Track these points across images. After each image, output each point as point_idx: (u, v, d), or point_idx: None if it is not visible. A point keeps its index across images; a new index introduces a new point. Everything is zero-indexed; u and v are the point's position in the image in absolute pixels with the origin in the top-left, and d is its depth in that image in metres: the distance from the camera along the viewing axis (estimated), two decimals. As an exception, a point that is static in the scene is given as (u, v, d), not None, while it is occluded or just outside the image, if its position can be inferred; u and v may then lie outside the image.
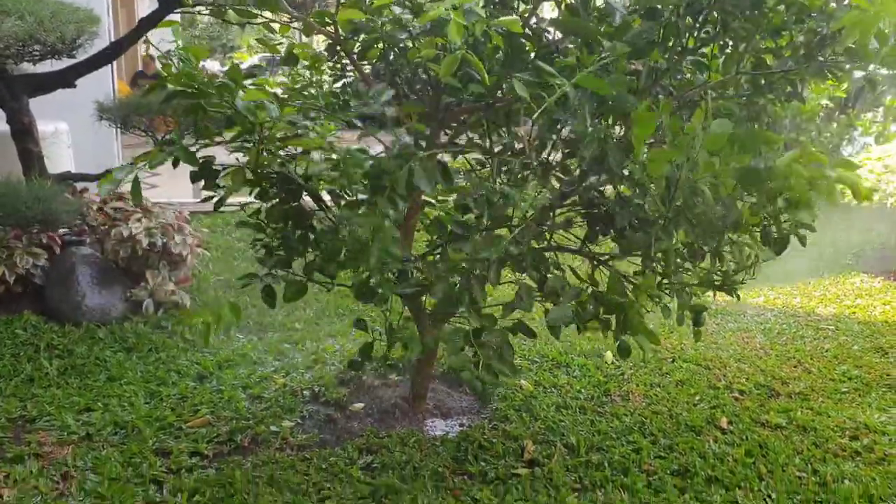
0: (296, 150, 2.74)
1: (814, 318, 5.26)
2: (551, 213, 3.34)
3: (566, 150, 3.04)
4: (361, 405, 3.76)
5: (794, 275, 6.25)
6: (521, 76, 2.38)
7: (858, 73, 3.49)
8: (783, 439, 3.48)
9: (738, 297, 3.07)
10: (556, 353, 4.41)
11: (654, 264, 2.91)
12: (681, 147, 2.36)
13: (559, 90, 2.28)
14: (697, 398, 3.91)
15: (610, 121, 2.73)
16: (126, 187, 2.58)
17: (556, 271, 2.90)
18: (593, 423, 3.64)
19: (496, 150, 3.00)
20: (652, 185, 2.59)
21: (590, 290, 2.94)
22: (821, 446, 3.42)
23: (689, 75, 3.23)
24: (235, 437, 3.38)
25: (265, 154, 2.67)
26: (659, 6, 2.62)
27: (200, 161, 2.72)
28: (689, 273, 3.16)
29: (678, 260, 3.13)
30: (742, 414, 3.73)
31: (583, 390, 3.98)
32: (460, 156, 3.46)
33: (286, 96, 3.04)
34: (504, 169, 2.76)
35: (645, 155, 2.48)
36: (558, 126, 2.67)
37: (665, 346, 4.60)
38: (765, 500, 3.01)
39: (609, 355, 4.42)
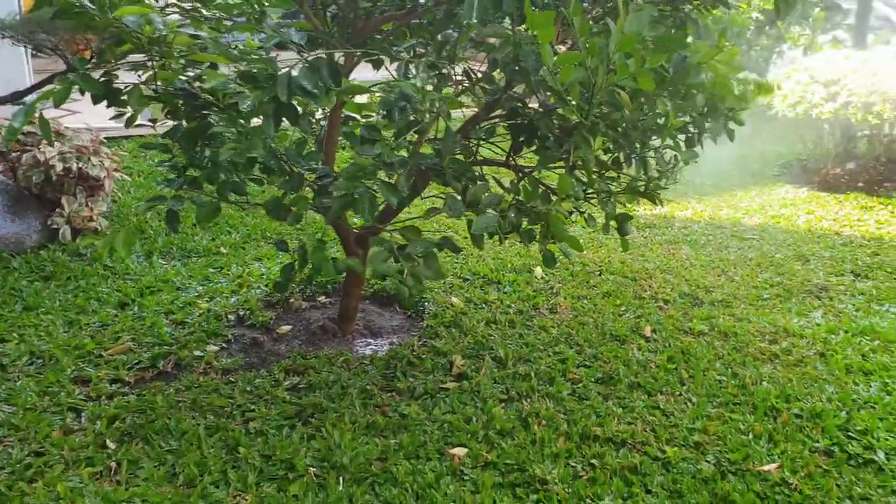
0: (201, 65, 2.61)
1: (739, 229, 5.36)
2: (475, 125, 3.30)
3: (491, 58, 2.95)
4: (289, 327, 3.71)
5: (721, 187, 6.34)
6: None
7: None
8: (705, 345, 3.56)
9: (661, 202, 3.06)
10: (488, 270, 4.41)
11: (576, 172, 2.88)
12: (592, 50, 2.29)
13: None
14: (623, 309, 3.96)
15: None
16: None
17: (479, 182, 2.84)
18: (521, 336, 3.66)
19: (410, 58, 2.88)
20: (567, 91, 2.53)
21: (513, 199, 2.90)
22: (741, 350, 3.51)
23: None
24: (157, 363, 3.31)
25: (168, 70, 2.53)
26: None
27: (101, 82, 2.56)
28: (614, 182, 3.16)
29: (601, 169, 3.12)
30: (666, 322, 3.79)
31: (512, 305, 3.99)
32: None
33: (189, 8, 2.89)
34: (418, 75, 2.66)
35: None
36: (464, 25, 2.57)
37: (592, 259, 4.63)
38: (685, 403, 3.08)
39: (539, 270, 4.43)
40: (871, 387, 3.20)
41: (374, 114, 2.72)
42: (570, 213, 2.96)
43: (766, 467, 2.67)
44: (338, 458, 2.69)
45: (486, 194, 2.71)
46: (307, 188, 2.77)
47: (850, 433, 2.88)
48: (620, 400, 3.10)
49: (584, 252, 4.74)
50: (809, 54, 8.22)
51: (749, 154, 7.15)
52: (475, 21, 2.44)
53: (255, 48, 2.72)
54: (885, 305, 4.03)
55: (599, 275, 4.44)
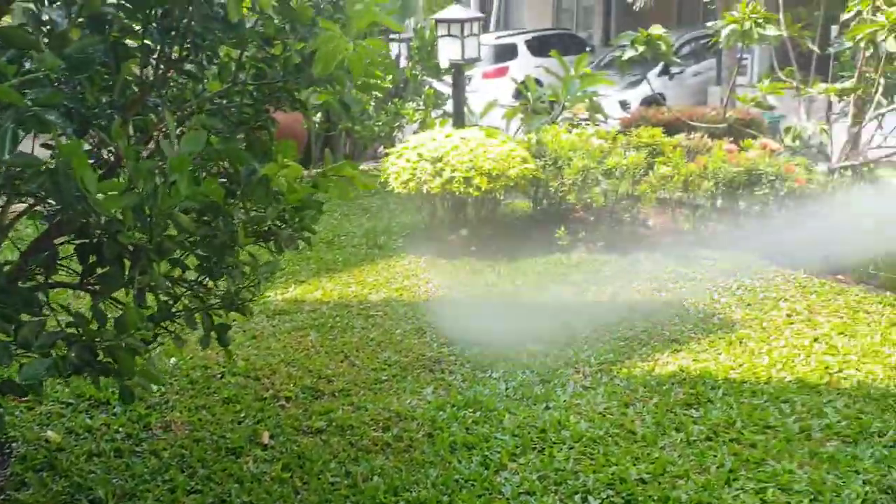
0: None
1: (365, 306, 5.52)
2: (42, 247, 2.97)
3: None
4: None
5: (350, 262, 6.53)
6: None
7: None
8: (322, 445, 3.54)
9: (250, 313, 2.99)
10: (94, 391, 3.99)
11: (151, 295, 2.70)
12: (139, 174, 2.17)
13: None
14: (243, 415, 3.83)
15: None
16: None
17: (35, 317, 2.53)
18: (129, 466, 3.35)
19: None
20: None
21: (79, 333, 2.63)
22: (355, 444, 3.55)
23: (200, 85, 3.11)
24: None
25: None
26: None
27: None
28: (201, 296, 3.02)
29: (192, 286, 2.98)
30: (285, 424, 3.73)
31: (121, 429, 3.66)
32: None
33: None
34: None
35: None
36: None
37: (216, 360, 4.44)
38: (298, 516, 3.02)
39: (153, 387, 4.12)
40: (472, 462, 3.40)
41: None
42: (153, 338, 2.77)
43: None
44: None
45: (40, 334, 2.41)
46: None
47: (451, 516, 3.01)
48: (230, 526, 2.95)
49: (210, 352, 4.53)
50: (424, 129, 8.89)
51: (376, 227, 7.48)
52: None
53: None
54: (489, 372, 4.37)
55: (221, 377, 4.26)
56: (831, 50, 8.09)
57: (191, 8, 2.65)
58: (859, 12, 6.44)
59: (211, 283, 3.11)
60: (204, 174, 2.90)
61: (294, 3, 2.95)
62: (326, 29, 2.69)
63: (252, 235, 2.91)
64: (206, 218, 2.80)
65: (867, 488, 3.19)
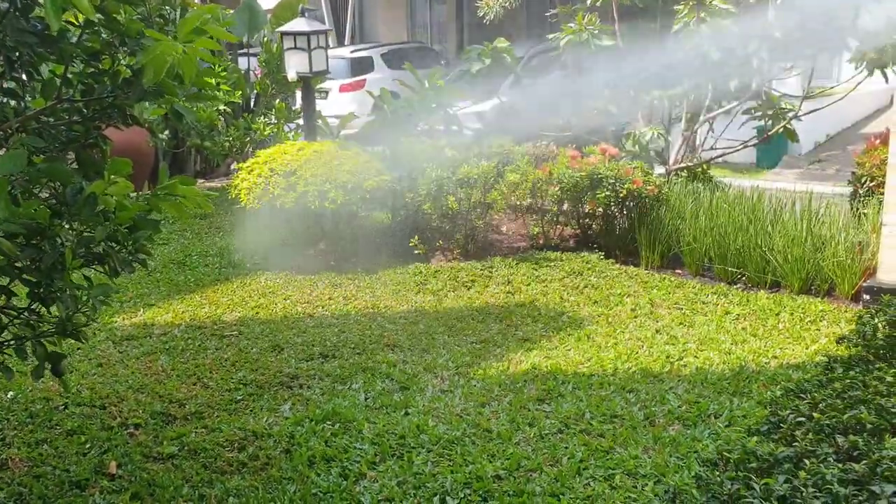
0: None
1: (219, 326, 5.38)
2: None
3: None
4: None
5: (203, 283, 6.34)
6: None
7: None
8: (174, 470, 3.43)
9: (85, 339, 2.86)
10: (-82, 432, 3.71)
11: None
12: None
13: None
14: (88, 446, 3.65)
15: None
16: None
17: None
18: (-41, 510, 3.12)
19: None
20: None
21: None
22: (209, 467, 3.46)
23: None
24: None
25: None
26: None
27: None
28: (32, 323, 2.87)
29: (11, 313, 2.83)
30: (134, 452, 3.58)
31: (-50, 472, 3.40)
32: None
33: None
34: None
35: None
36: None
37: (56, 391, 4.20)
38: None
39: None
40: (331, 475, 3.39)
41: None
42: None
43: None
44: None
45: None
46: None
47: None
48: (75, 562, 2.80)
49: (51, 384, 4.28)
50: (276, 143, 8.76)
51: (230, 245, 7.31)
52: None
53: None
54: (348, 384, 4.36)
55: (64, 409, 4.04)
56: (665, 59, 8.61)
57: (2, 21, 2.53)
58: (687, 23, 6.91)
59: (43, 311, 2.96)
60: (28, 196, 2.76)
61: (122, 17, 2.87)
62: (156, 40, 2.62)
63: (84, 258, 2.79)
64: (33, 242, 2.67)
65: (704, 467, 3.41)
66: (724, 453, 2.44)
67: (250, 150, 9.27)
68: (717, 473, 2.27)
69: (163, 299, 5.95)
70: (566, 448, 3.59)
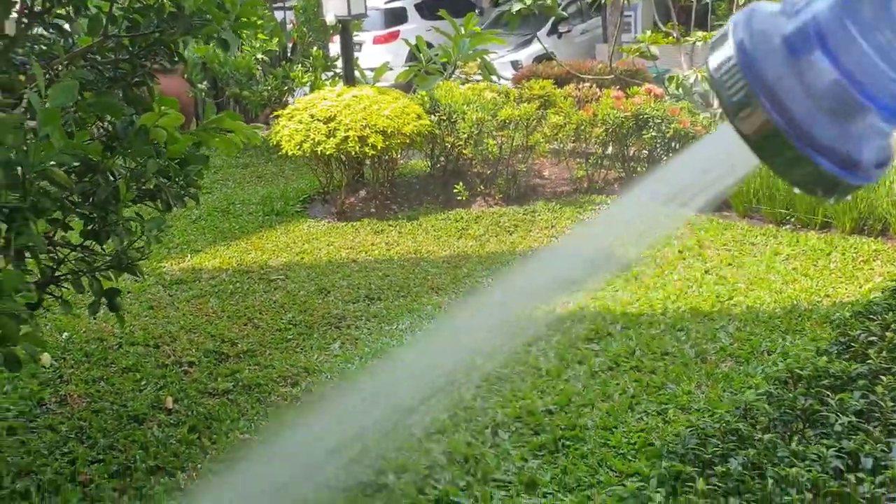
0: None
1: (266, 271, 5.42)
2: None
3: None
4: None
5: (248, 230, 6.38)
6: None
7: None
8: (229, 404, 3.48)
9: (140, 274, 2.89)
10: (-20, 371, 3.80)
11: (31, 258, 2.57)
12: (6, 128, 2.05)
13: None
14: (143, 383, 3.71)
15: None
16: None
17: None
18: (24, 443, 3.20)
19: None
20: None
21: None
22: (264, 401, 3.51)
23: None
24: None
25: None
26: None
27: None
28: (86, 259, 2.90)
29: (77, 246, 2.86)
30: (190, 388, 3.64)
31: (12, 407, 3.48)
32: None
33: None
34: None
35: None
36: None
37: (111, 331, 4.28)
38: (208, 476, 2.96)
39: (47, 357, 3.94)
40: (380, 408, 3.41)
41: None
42: (36, 303, 2.64)
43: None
44: None
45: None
46: None
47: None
48: (138, 490, 2.86)
49: (104, 325, 4.36)
50: (315, 90, 8.72)
51: (272, 194, 7.33)
52: None
53: None
54: (394, 324, 4.38)
55: (119, 348, 4.11)
56: (708, 2, 8.39)
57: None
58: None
59: (97, 248, 2.98)
60: (81, 129, 2.77)
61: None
62: (200, -30, 2.59)
63: (137, 194, 2.80)
64: (86, 179, 2.69)
65: (759, 400, 3.38)
66: (796, 370, 2.39)
67: (289, 98, 9.25)
68: (788, 390, 2.24)
69: (209, 245, 6.00)
70: (617, 384, 3.57)
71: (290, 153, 6.57)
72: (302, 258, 5.71)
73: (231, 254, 5.83)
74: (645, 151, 6.51)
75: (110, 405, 3.49)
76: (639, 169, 6.75)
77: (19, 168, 2.21)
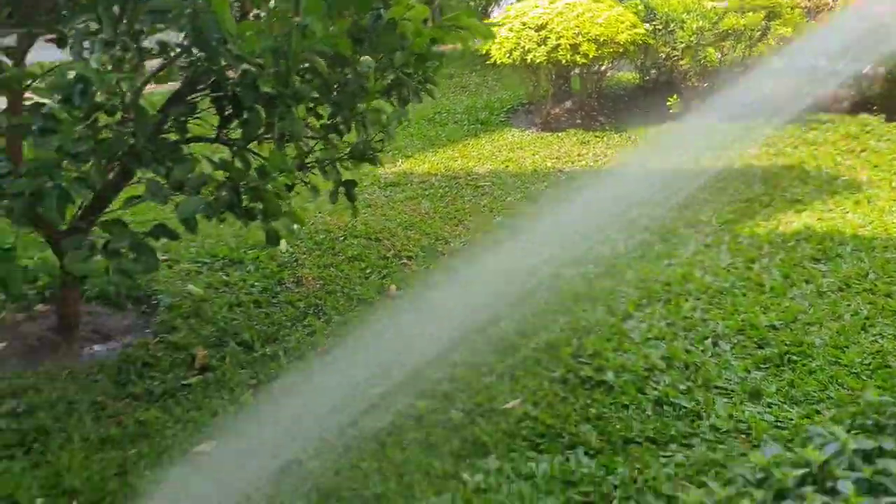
0: None
1: (473, 177, 5.53)
2: (179, 101, 3.06)
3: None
4: (1, 345, 3.29)
5: (454, 138, 6.51)
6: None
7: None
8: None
9: (380, 164, 3.04)
10: (227, 251, 4.19)
11: (289, 144, 2.77)
12: (275, 15, 2.19)
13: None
14: (368, 271, 3.95)
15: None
16: None
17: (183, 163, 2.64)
18: (268, 315, 3.53)
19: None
20: (259, 59, 2.40)
21: (226, 177, 2.73)
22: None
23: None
24: None
25: None
26: None
27: None
28: (332, 148, 3.08)
29: (321, 136, 3.04)
30: (410, 278, 3.83)
31: (256, 284, 3.83)
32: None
33: None
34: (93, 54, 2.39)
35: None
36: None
37: (337, 224, 4.57)
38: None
39: (284, 244, 4.28)
40: (596, 312, 3.44)
41: (47, 100, 2.41)
42: (291, 185, 2.86)
43: (510, 405, 2.77)
44: (69, 482, 2.43)
45: (191, 175, 2.52)
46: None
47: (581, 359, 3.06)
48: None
49: (329, 218, 4.66)
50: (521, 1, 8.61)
51: (476, 104, 7.41)
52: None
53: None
54: (607, 232, 4.35)
55: (344, 240, 4.38)
56: None
57: None
58: None
59: (338, 140, 3.16)
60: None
61: None
62: None
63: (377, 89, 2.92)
64: (338, 69, 2.81)
65: None
66: None
67: (494, 8, 9.21)
68: None
69: (418, 152, 6.19)
70: (849, 305, 3.38)
71: (498, 61, 6.57)
72: (507, 166, 5.77)
73: (439, 160, 5.99)
74: (881, 68, 5.93)
75: (340, 288, 3.75)
76: (874, 86, 6.18)
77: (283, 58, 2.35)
